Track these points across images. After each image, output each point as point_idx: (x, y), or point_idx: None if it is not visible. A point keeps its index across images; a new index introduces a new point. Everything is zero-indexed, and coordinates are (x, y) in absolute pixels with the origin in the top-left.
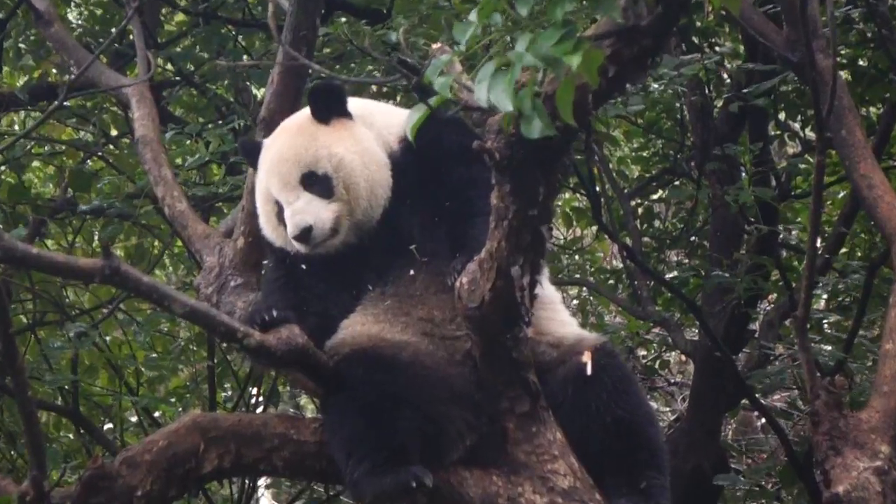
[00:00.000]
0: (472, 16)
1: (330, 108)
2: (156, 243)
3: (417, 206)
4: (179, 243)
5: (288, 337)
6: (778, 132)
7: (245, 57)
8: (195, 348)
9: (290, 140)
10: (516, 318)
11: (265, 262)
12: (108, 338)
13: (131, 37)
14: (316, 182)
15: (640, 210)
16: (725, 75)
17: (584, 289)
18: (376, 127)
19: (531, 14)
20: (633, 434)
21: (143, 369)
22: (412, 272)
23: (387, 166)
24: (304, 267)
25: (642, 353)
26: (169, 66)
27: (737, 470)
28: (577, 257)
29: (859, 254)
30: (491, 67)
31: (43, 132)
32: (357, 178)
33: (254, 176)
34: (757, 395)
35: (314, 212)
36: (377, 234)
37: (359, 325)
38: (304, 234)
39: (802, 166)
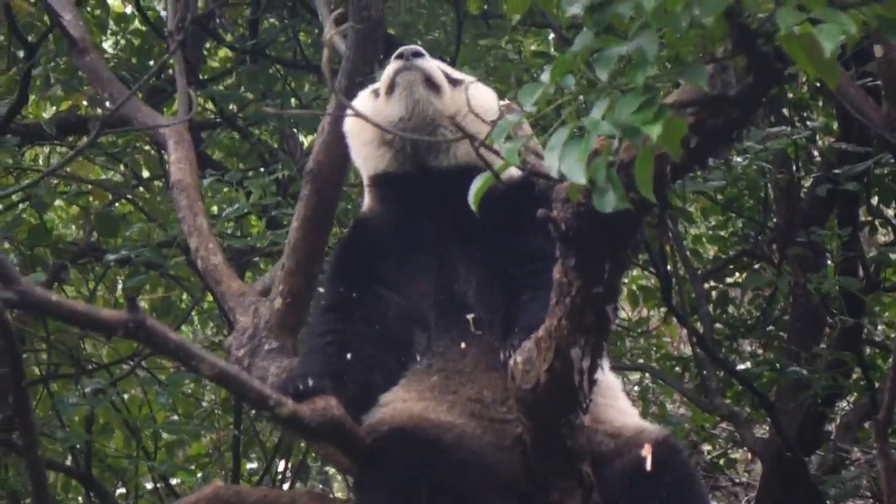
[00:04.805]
0: (544, 76)
1: None
2: (184, 297)
3: (476, 267)
4: (209, 299)
5: (323, 408)
6: (869, 218)
7: (293, 101)
8: (220, 413)
9: None
10: (573, 403)
11: (308, 320)
12: (126, 396)
13: (171, 71)
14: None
15: (713, 294)
16: (816, 153)
17: (647, 375)
18: None
19: (610, 75)
20: None
21: (162, 432)
22: (463, 345)
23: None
24: (355, 296)
25: (707, 448)
26: (210, 106)
27: None
28: (641, 340)
29: None
30: (563, 134)
31: (69, 169)
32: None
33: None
34: (828, 503)
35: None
36: (431, 288)
37: (400, 402)
38: (414, 53)
39: (894, 256)
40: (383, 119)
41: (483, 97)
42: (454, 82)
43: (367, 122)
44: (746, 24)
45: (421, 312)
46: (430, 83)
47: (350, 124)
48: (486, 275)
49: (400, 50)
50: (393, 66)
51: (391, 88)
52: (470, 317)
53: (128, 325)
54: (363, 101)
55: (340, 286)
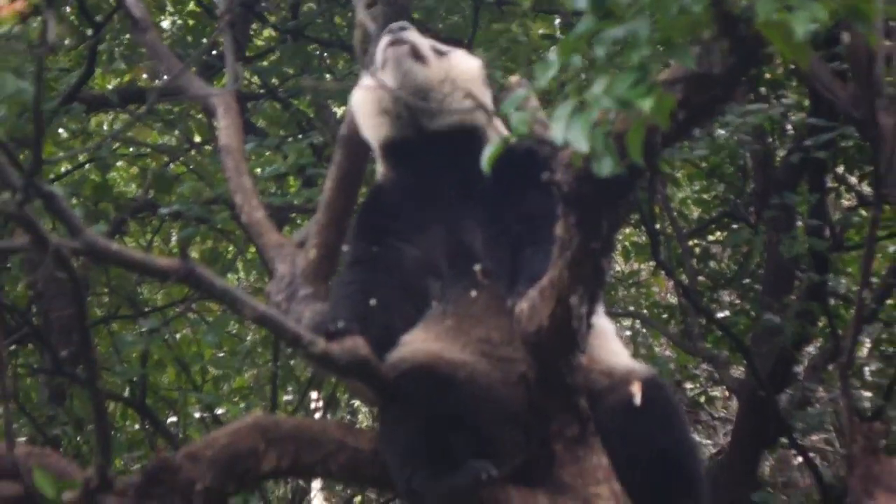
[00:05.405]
0: (552, 55)
1: None
2: (230, 248)
3: (481, 223)
4: (253, 249)
5: (351, 347)
6: (835, 185)
7: (328, 76)
8: (261, 351)
9: None
10: (572, 345)
11: (339, 270)
12: (177, 335)
13: (221, 48)
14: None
15: (697, 250)
16: (789, 127)
17: (637, 321)
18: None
19: (608, 56)
20: (676, 465)
21: (209, 367)
22: (473, 293)
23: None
24: (375, 249)
25: (689, 386)
26: (255, 79)
27: None
28: (632, 290)
29: None
30: (569, 107)
31: (130, 134)
32: (461, 74)
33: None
34: (796, 435)
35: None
36: (442, 242)
37: (419, 342)
38: (401, 27)
39: (856, 219)
40: (381, 92)
41: (467, 65)
42: (440, 53)
43: (367, 96)
44: (730, 11)
45: (435, 264)
46: (417, 54)
47: (354, 100)
48: (492, 230)
49: (389, 26)
50: (383, 41)
51: (384, 63)
52: (477, 268)
53: (180, 272)
54: (368, 78)
55: (363, 242)
